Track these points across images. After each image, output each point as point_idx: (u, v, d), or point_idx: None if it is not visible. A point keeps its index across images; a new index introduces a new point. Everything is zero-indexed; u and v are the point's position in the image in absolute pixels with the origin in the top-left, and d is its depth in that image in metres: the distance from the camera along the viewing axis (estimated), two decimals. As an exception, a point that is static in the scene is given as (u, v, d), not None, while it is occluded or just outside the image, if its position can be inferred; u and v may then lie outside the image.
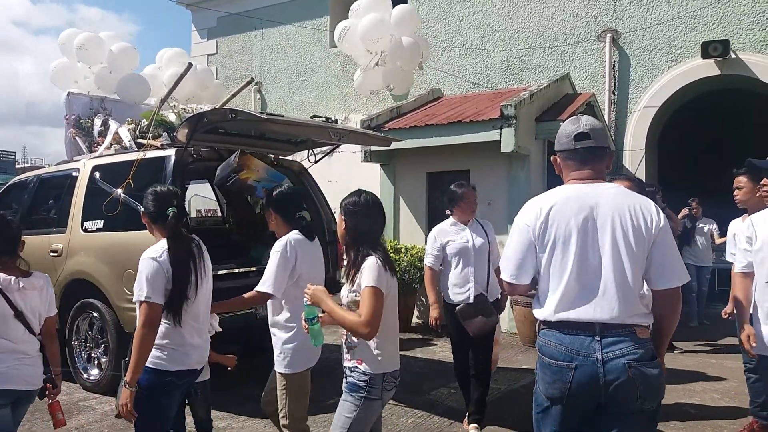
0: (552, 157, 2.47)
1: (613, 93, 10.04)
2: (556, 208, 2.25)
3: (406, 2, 11.31)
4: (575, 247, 2.21)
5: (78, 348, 5.59)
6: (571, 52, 10.33)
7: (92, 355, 5.53)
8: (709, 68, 9.31)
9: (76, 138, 6.48)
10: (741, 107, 11.56)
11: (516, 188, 7.79)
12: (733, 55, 9.13)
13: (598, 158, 2.35)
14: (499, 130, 7.41)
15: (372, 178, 9.33)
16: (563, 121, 8.12)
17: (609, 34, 9.95)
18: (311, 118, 5.27)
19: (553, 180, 8.77)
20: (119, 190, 5.21)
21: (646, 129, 9.88)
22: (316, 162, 5.88)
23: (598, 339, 2.15)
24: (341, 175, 9.60)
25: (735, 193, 4.27)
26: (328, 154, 5.99)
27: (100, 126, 6.40)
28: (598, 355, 2.14)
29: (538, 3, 10.52)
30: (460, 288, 4.44)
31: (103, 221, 5.34)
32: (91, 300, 5.33)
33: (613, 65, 10.00)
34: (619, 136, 10.06)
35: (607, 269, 2.19)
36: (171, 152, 5.06)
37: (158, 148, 5.31)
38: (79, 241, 5.48)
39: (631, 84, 9.97)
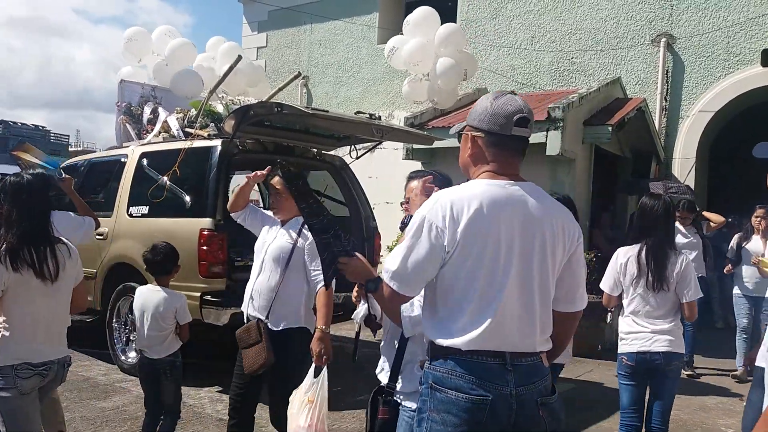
0: (465, 134, 1.95)
1: (665, 99, 9.77)
2: (484, 211, 1.78)
3: (455, 19, 11.26)
4: (512, 262, 1.79)
5: (118, 330, 5.73)
6: (623, 55, 10.09)
7: (131, 338, 5.67)
8: (768, 77, 8.97)
9: (126, 125, 6.65)
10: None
11: (561, 191, 7.65)
12: (795, 64, 8.78)
13: (522, 153, 1.93)
14: (545, 132, 7.29)
15: (413, 176, 9.30)
16: (612, 125, 8.05)
17: (664, 39, 9.68)
18: (355, 114, 5.28)
19: (599, 185, 8.58)
20: (165, 178, 5.31)
21: (698, 137, 9.59)
22: (358, 158, 5.89)
23: (510, 368, 1.80)
24: (382, 171, 9.60)
25: None
26: (370, 150, 6.00)
27: (150, 114, 6.55)
28: (512, 388, 1.78)
29: (591, 4, 10.31)
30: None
31: (148, 207, 5.47)
32: (132, 284, 5.46)
33: (667, 70, 9.72)
34: (669, 144, 9.79)
35: (537, 289, 1.83)
36: (217, 143, 5.15)
37: (205, 138, 5.40)
38: (125, 225, 5.62)
39: (684, 91, 9.69)
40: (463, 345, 1.79)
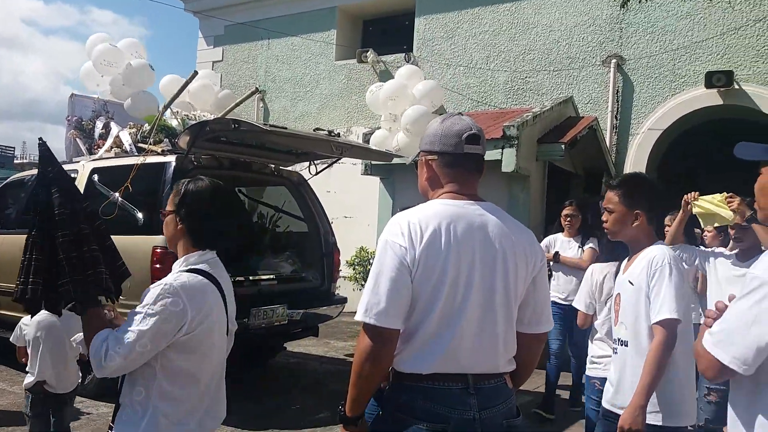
0: (421, 159, 1.93)
1: (616, 117, 10.06)
2: (443, 231, 1.74)
3: (412, 38, 11.39)
4: (473, 283, 1.75)
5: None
6: (575, 75, 10.37)
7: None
8: (712, 98, 9.35)
9: (77, 139, 6.47)
10: (742, 137, 11.57)
11: (516, 208, 7.77)
12: (737, 86, 9.18)
13: (479, 171, 1.90)
14: (500, 150, 7.41)
15: (371, 191, 9.32)
16: (565, 143, 8.24)
17: (614, 60, 10.00)
18: (314, 130, 5.26)
19: (553, 201, 8.77)
20: (117, 194, 5.17)
21: (647, 154, 9.90)
22: (316, 174, 5.87)
23: (473, 392, 1.75)
24: (340, 186, 9.60)
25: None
26: (329, 166, 5.98)
27: (102, 129, 6.39)
28: (475, 412, 1.74)
29: (544, 26, 10.58)
30: None
31: (99, 224, 5.29)
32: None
33: (617, 90, 10.03)
34: (620, 161, 10.06)
35: (500, 310, 1.80)
36: (171, 158, 5.05)
37: (159, 154, 5.29)
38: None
39: (633, 110, 10.00)
40: (424, 369, 1.74)
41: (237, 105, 6.00)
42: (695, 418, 2.65)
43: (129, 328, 1.79)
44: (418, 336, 1.76)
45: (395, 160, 6.44)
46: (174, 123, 5.85)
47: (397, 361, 1.79)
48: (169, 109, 5.86)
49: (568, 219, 5.59)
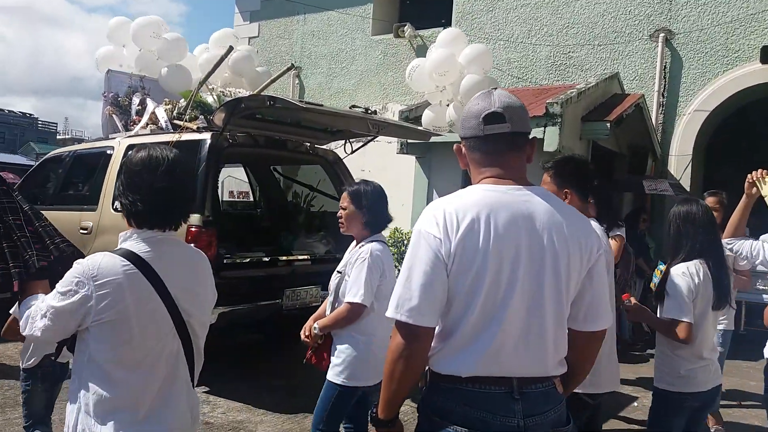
0: (455, 147, 1.81)
1: (663, 95, 9.65)
2: (483, 221, 1.59)
3: (450, 12, 11.08)
4: (517, 278, 1.60)
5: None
6: (620, 50, 9.97)
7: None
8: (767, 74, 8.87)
9: (113, 116, 6.44)
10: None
11: (556, 190, 7.53)
12: (795, 61, 8.68)
13: (516, 149, 1.70)
14: (543, 128, 7.15)
15: (407, 171, 9.16)
16: (611, 122, 7.92)
17: (662, 34, 9.56)
18: (350, 108, 5.12)
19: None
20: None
21: (695, 134, 9.50)
22: (352, 152, 5.73)
23: (517, 397, 1.62)
24: (375, 165, 9.43)
25: None
26: (364, 144, 5.84)
27: (138, 105, 6.35)
28: (519, 419, 1.60)
29: (589, -2, 10.16)
30: None
31: (134, 201, 5.27)
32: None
33: (665, 66, 9.61)
34: (666, 140, 9.68)
35: (549, 307, 1.64)
36: (207, 136, 4.97)
37: (194, 131, 5.22)
38: (109, 219, 5.44)
39: (682, 87, 9.58)
40: (463, 371, 1.61)
41: (272, 81, 5.88)
42: (616, 385, 2.83)
43: (45, 301, 1.80)
44: (457, 335, 1.63)
45: (433, 139, 6.25)
46: (210, 99, 5.76)
47: (434, 361, 1.67)
48: (204, 85, 5.78)
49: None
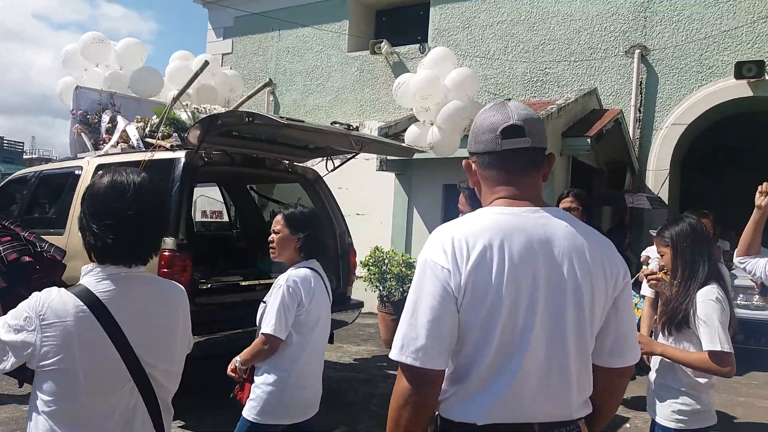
0: (464, 163, 1.64)
1: (639, 110, 9.70)
2: (496, 249, 1.42)
3: (427, 29, 11.04)
4: (536, 311, 1.43)
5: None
6: (597, 66, 10.01)
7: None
8: (742, 89, 8.96)
9: (82, 134, 6.18)
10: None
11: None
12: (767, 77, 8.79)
13: (535, 166, 1.55)
14: (524, 145, 7.06)
15: (386, 188, 9.02)
16: (591, 137, 7.90)
17: (638, 50, 9.62)
18: (331, 124, 4.95)
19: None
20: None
21: (672, 148, 9.55)
22: (333, 170, 5.56)
23: None
24: (354, 182, 9.26)
25: None
26: (345, 161, 5.67)
27: (108, 123, 6.10)
28: None
29: (564, 15, 10.20)
30: None
31: (104, 224, 5.01)
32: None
33: (641, 82, 9.66)
34: (644, 155, 9.71)
35: (572, 343, 1.47)
36: (181, 154, 4.75)
37: (167, 149, 5.00)
38: (78, 244, 5.16)
39: (658, 102, 9.63)
40: (478, 419, 1.43)
41: (249, 97, 5.70)
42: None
43: None
44: (471, 377, 1.45)
45: (413, 156, 6.12)
46: (184, 116, 5.55)
47: (445, 407, 1.48)
48: (178, 101, 5.56)
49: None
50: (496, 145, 1.52)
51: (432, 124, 5.83)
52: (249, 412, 2.76)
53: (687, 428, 2.54)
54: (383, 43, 11.22)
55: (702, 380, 2.53)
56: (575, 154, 7.94)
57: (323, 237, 3.00)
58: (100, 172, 1.69)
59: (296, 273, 2.81)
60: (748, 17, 8.95)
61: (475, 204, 2.56)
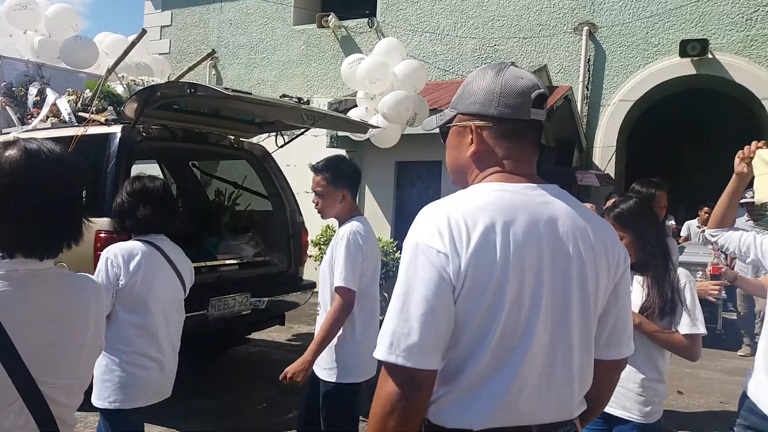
0: (470, 125, 1.37)
1: (587, 88, 9.75)
2: (499, 229, 1.25)
3: (375, 4, 10.76)
4: (541, 298, 1.28)
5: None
6: (546, 43, 10.00)
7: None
8: (686, 67, 9.12)
9: (6, 108, 5.72)
10: (714, 108, 11.48)
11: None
12: (710, 56, 8.95)
13: (538, 142, 1.43)
14: (477, 121, 6.96)
15: (336, 166, 8.80)
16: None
17: (586, 27, 9.65)
18: (281, 97, 4.69)
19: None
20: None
21: (619, 125, 9.66)
22: (283, 146, 5.30)
23: None
24: (302, 159, 8.95)
25: None
26: (295, 137, 5.43)
27: (36, 96, 5.66)
28: None
29: (514, -10, 10.12)
30: None
31: (33, 204, 4.64)
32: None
33: (589, 59, 9.70)
34: (591, 132, 9.80)
35: (576, 333, 1.33)
36: (117, 129, 4.40)
37: (102, 124, 4.64)
38: None
39: (605, 79, 9.71)
40: (475, 423, 1.26)
41: (191, 69, 5.36)
42: (372, 373, 2.85)
43: None
44: (465, 376, 1.27)
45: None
46: (119, 89, 5.17)
47: (435, 411, 1.29)
48: (114, 74, 5.18)
49: None
50: (526, 113, 1.34)
51: (376, 112, 5.60)
52: (96, 401, 2.58)
53: (653, 421, 2.40)
54: (331, 17, 10.91)
55: (663, 369, 2.43)
56: (527, 131, 7.90)
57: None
58: (2, 144, 1.34)
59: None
60: (693, -4, 9.06)
61: (337, 185, 2.82)
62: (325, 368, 2.85)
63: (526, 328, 1.27)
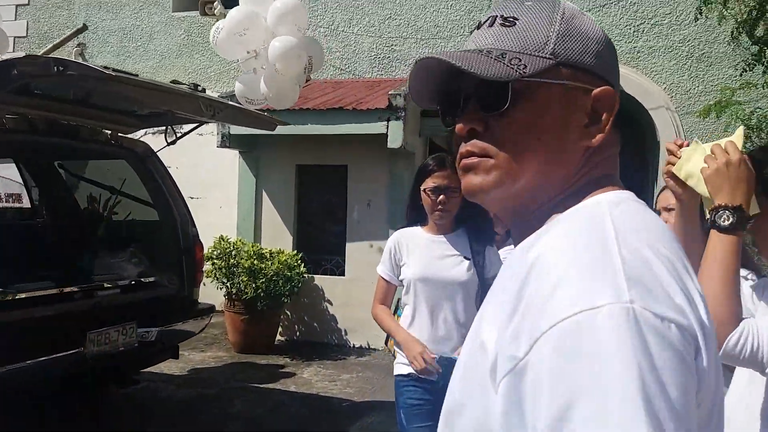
0: (598, 91, 0.80)
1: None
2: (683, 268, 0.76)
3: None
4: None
5: None
6: (442, 45, 9.77)
7: None
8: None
9: None
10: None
11: (399, 189, 6.94)
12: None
13: None
14: (386, 122, 6.52)
15: (229, 168, 8.00)
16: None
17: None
18: (171, 83, 3.91)
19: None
20: None
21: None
22: (174, 142, 4.50)
23: None
24: (188, 161, 8.07)
25: None
26: (188, 132, 4.65)
27: None
28: None
29: (411, -11, 9.83)
30: None
31: None
32: None
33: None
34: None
35: None
36: (-45, 117, 3.43)
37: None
38: None
39: (503, 84, 9.64)
40: None
41: (58, 46, 4.42)
42: None
43: None
44: None
45: (257, 131, 5.19)
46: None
47: None
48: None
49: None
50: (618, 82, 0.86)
51: (263, 69, 4.65)
52: None
53: None
54: (216, 3, 9.99)
55: None
56: (434, 135, 7.57)
57: None
58: None
59: None
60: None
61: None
62: None
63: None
